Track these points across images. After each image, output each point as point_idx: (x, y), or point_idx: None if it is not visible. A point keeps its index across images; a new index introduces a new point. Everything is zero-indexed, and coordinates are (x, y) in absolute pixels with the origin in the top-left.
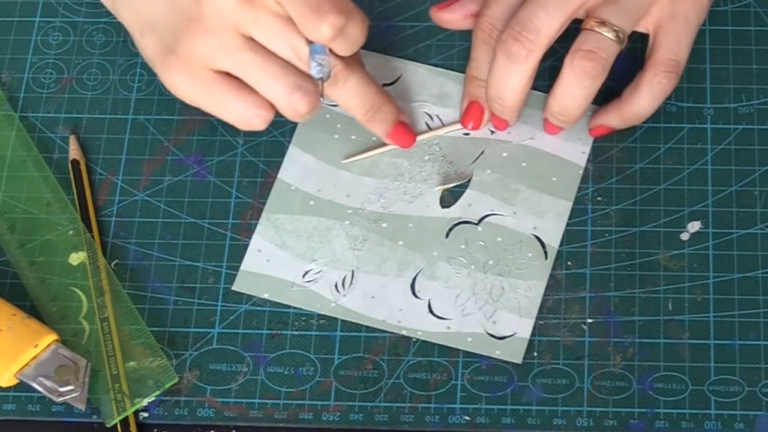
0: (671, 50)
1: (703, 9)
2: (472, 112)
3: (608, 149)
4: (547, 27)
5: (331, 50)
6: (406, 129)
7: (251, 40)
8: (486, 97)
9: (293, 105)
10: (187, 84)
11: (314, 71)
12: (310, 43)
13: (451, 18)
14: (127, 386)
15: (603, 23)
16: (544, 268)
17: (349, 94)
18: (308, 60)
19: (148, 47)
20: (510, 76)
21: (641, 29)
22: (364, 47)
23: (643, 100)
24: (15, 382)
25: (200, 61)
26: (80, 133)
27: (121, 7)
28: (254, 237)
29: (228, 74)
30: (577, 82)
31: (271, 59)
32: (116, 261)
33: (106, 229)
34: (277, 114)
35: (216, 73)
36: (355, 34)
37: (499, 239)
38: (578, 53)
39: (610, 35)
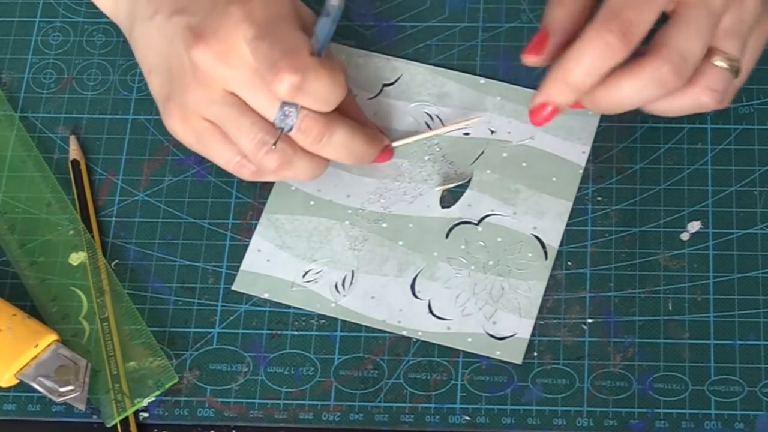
0: (688, 39)
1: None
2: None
3: (608, 149)
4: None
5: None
6: (387, 149)
7: (232, 94)
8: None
9: (260, 160)
10: (182, 129)
11: (277, 121)
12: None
13: (547, 59)
14: (127, 386)
15: (727, 58)
16: (544, 268)
17: (337, 151)
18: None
19: (152, 87)
20: (647, 97)
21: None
22: (365, 47)
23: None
24: (15, 382)
25: (192, 110)
26: (80, 133)
27: (134, 45)
28: (254, 237)
29: None
30: (687, 108)
31: (245, 114)
32: (116, 261)
33: (106, 229)
34: None
35: (207, 121)
36: (320, 89)
37: (499, 239)
38: (707, 91)
39: (728, 69)
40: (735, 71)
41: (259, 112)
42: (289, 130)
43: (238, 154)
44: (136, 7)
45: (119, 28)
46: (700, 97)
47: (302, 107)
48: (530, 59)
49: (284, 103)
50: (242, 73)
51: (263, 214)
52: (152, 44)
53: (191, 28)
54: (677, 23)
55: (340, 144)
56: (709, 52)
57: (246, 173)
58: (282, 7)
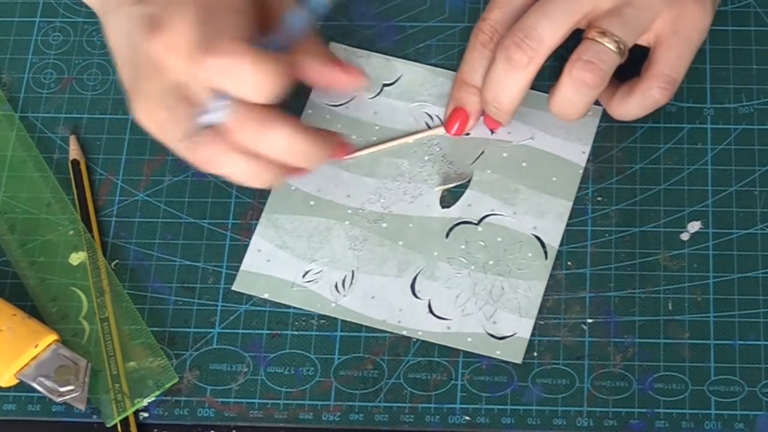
0: (670, 66)
1: (705, 28)
2: (456, 117)
3: (608, 149)
4: (550, 36)
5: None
6: (342, 146)
7: (178, 85)
8: (482, 99)
9: (185, 154)
10: (146, 119)
11: (205, 112)
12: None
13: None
14: (127, 386)
15: (604, 33)
16: (544, 268)
17: (276, 150)
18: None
19: (123, 78)
20: (509, 81)
21: (643, 42)
22: (365, 47)
23: (633, 106)
24: (15, 382)
25: (152, 100)
26: (80, 133)
27: (108, 38)
28: (254, 237)
29: None
30: (576, 91)
31: (180, 104)
32: (116, 261)
33: (106, 229)
34: None
35: (168, 112)
36: (248, 77)
37: (499, 239)
38: (578, 63)
39: (611, 46)
40: (616, 46)
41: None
42: (218, 121)
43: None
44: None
45: None
46: (572, 71)
47: (236, 101)
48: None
49: (217, 96)
50: (184, 62)
51: (263, 214)
52: (120, 34)
53: (148, 18)
54: (533, 7)
55: (279, 144)
56: (588, 30)
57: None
58: None
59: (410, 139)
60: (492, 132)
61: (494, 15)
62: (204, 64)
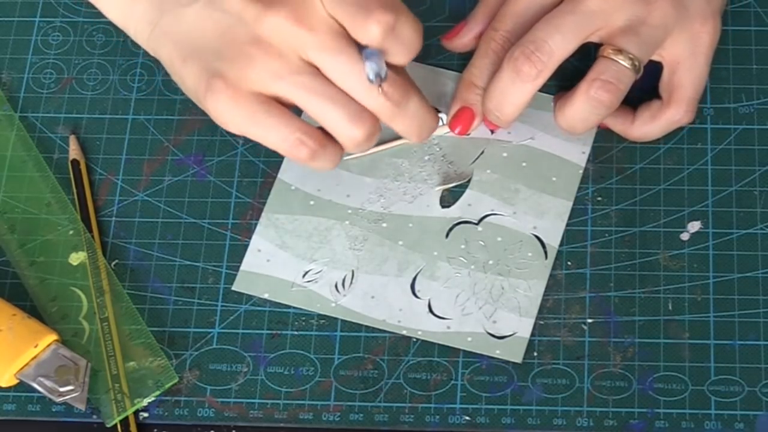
0: (694, 88)
1: (715, 43)
2: (462, 118)
3: (608, 149)
4: (560, 50)
5: (388, 65)
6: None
7: (309, 63)
8: (483, 105)
9: (352, 132)
10: (232, 107)
11: (370, 71)
12: (363, 48)
13: (461, 43)
14: (127, 386)
15: (620, 52)
16: (544, 268)
17: (408, 121)
18: (365, 69)
19: (190, 74)
20: (515, 92)
21: (654, 58)
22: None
23: (656, 130)
24: (15, 382)
25: (250, 85)
26: (80, 133)
27: (162, 39)
28: (254, 237)
29: (277, 100)
30: (591, 110)
31: (331, 84)
32: (116, 261)
33: (106, 229)
34: None
35: (264, 97)
36: (408, 34)
37: (499, 239)
38: (596, 82)
39: (628, 65)
40: (631, 64)
41: (336, 82)
42: (385, 78)
43: (298, 130)
44: (162, 0)
45: (119, 28)
46: (590, 90)
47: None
48: (448, 43)
49: (367, 56)
50: (322, 36)
51: (263, 214)
52: (192, 29)
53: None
54: (545, 19)
55: (412, 113)
56: (604, 48)
57: (303, 153)
58: None
59: None
60: (492, 132)
61: (507, 26)
62: (372, 18)
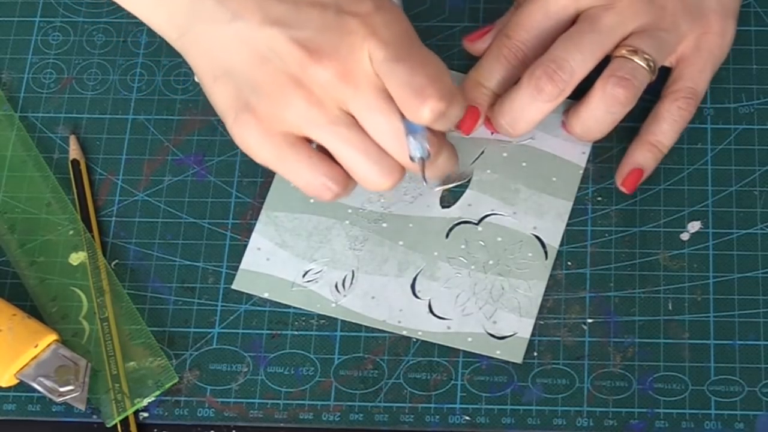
0: (691, 79)
1: (727, 45)
2: (468, 116)
3: (608, 149)
4: (580, 69)
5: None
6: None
7: (349, 115)
8: (495, 120)
9: (380, 184)
10: (261, 143)
11: (415, 151)
12: (404, 119)
13: (484, 48)
14: (127, 386)
15: (636, 51)
16: (544, 268)
17: (434, 172)
18: (405, 138)
19: (221, 96)
20: (532, 110)
21: (666, 64)
22: None
23: (664, 126)
24: (15, 382)
25: (283, 126)
26: (80, 133)
27: (193, 48)
28: (254, 235)
29: (305, 140)
30: (606, 108)
31: (367, 138)
32: (116, 261)
33: (106, 229)
34: None
35: (294, 138)
36: (456, 114)
37: (499, 239)
38: (612, 78)
39: (643, 64)
40: (647, 64)
41: (374, 137)
42: (427, 157)
43: (323, 175)
44: (199, 7)
45: (119, 28)
46: (606, 86)
47: (428, 129)
48: (469, 45)
49: (411, 130)
50: (367, 94)
51: (262, 211)
52: (227, 50)
53: (302, 44)
54: (564, 37)
55: (441, 165)
56: (618, 49)
57: (327, 196)
58: (403, 22)
59: None
60: (492, 133)
61: (521, 36)
62: (425, 104)
